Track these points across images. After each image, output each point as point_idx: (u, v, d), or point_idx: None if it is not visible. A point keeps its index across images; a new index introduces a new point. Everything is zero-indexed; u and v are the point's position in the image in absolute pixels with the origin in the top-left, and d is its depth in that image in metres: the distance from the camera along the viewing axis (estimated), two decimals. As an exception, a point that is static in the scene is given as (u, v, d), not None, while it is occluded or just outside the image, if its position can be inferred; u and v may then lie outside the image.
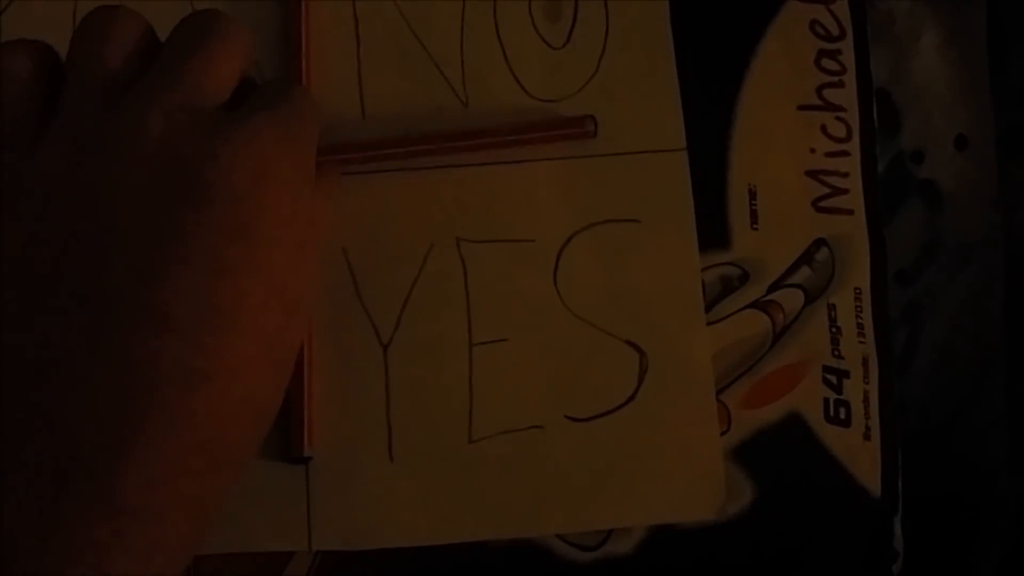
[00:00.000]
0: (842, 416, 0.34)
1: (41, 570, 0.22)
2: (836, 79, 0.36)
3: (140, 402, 0.24)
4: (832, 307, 0.34)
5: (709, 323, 0.34)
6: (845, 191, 0.35)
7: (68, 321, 0.24)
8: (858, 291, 0.35)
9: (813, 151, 0.35)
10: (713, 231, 0.34)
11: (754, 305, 0.34)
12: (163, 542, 0.24)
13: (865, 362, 0.34)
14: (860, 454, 0.34)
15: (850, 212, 0.35)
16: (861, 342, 0.34)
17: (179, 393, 0.24)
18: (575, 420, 0.33)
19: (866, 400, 0.34)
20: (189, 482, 0.24)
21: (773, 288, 0.34)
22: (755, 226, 0.34)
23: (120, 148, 0.25)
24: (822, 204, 0.35)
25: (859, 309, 0.34)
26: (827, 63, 0.36)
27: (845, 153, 0.35)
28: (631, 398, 0.33)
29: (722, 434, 0.33)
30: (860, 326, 0.34)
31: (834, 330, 0.34)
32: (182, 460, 0.24)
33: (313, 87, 0.33)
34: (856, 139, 0.35)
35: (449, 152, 0.33)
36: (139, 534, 0.23)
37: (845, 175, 0.35)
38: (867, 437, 0.34)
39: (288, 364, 0.27)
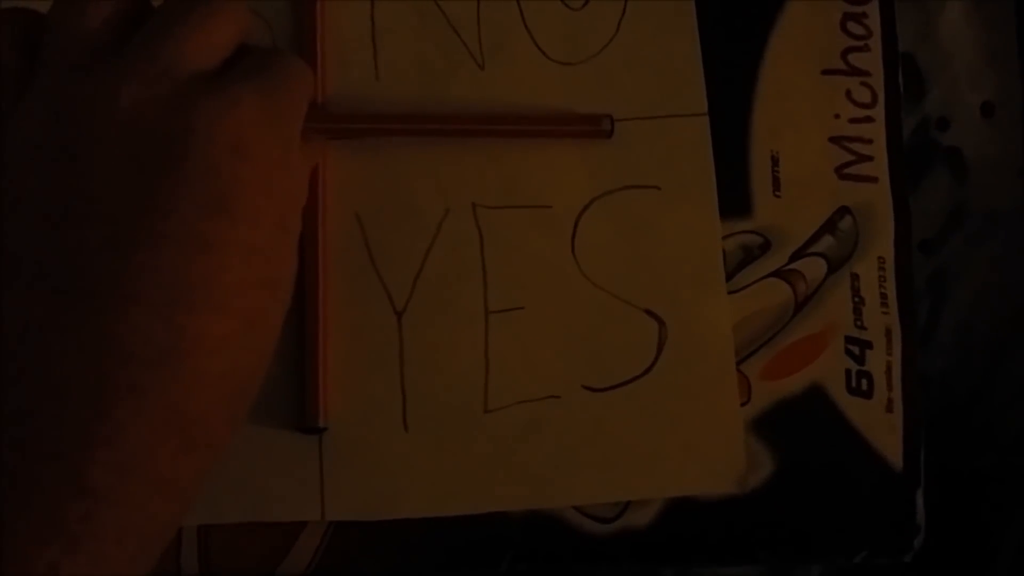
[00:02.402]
0: (864, 388, 0.33)
1: (6, 552, 0.21)
2: (861, 43, 0.35)
3: (109, 381, 0.23)
4: (855, 277, 0.34)
5: (730, 292, 0.33)
6: (870, 158, 0.34)
7: (37, 295, 0.23)
8: (882, 260, 0.34)
9: (837, 117, 0.34)
10: (734, 198, 0.33)
11: (776, 274, 0.33)
12: (136, 525, 0.23)
13: (888, 333, 0.33)
14: (882, 426, 0.33)
15: (874, 180, 0.34)
16: (884, 312, 0.34)
17: (150, 372, 0.23)
18: (592, 390, 0.32)
19: (889, 371, 0.33)
20: (164, 464, 0.23)
21: (795, 257, 0.33)
22: (777, 193, 0.34)
23: (94, 115, 0.24)
24: (846, 171, 0.34)
25: (882, 279, 0.34)
26: (852, 26, 0.35)
27: (870, 119, 0.34)
28: (649, 368, 0.32)
29: (742, 405, 0.32)
30: (883, 296, 0.34)
31: (857, 300, 0.33)
32: (155, 441, 0.23)
33: (326, 48, 0.33)
34: (881, 105, 0.34)
35: (461, 135, 0.33)
36: (111, 517, 0.22)
37: (869, 142, 0.34)
38: (889, 409, 0.33)
39: (270, 342, 0.26)
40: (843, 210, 0.34)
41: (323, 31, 0.32)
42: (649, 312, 0.33)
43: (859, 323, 0.33)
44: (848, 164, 0.34)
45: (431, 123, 0.33)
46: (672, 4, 0.34)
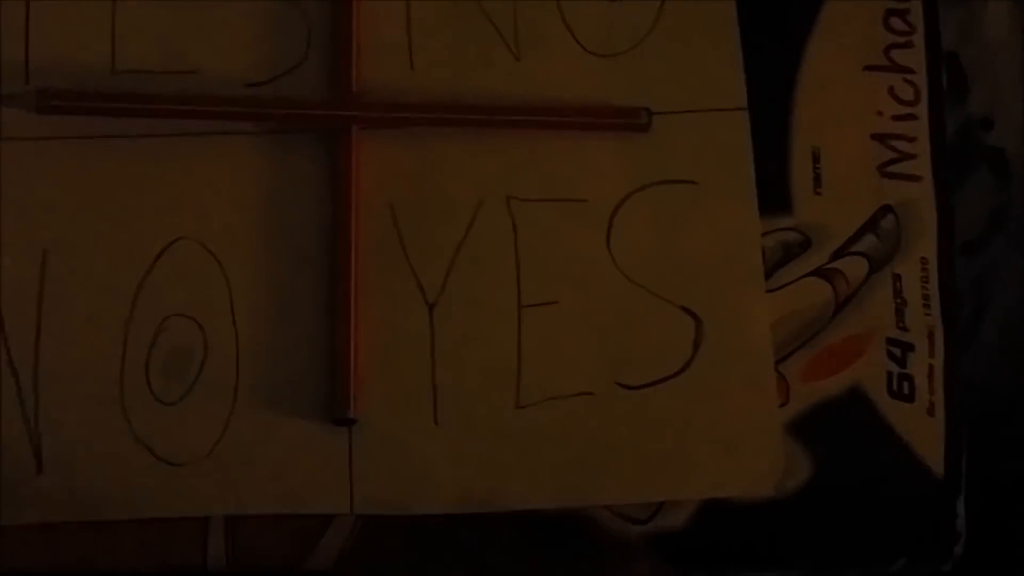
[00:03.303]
0: (906, 391, 0.32)
1: None
2: (904, 39, 0.34)
3: None
4: (897, 277, 0.33)
5: (769, 290, 0.32)
6: (913, 156, 0.33)
7: None
8: (924, 261, 0.33)
9: (880, 114, 0.34)
10: (774, 195, 0.33)
11: (816, 273, 0.33)
12: None
13: (931, 335, 0.33)
14: (923, 431, 0.32)
15: (917, 179, 0.33)
16: (927, 314, 0.33)
17: None
18: (627, 388, 0.31)
19: (931, 374, 0.32)
20: None
21: (836, 256, 0.33)
22: (818, 190, 0.33)
23: None
24: (888, 169, 0.33)
25: (925, 280, 0.33)
26: (895, 23, 0.34)
27: (912, 117, 0.34)
28: (686, 366, 0.32)
29: (780, 406, 0.32)
30: (926, 297, 0.33)
31: (899, 301, 0.33)
32: None
33: (362, 38, 0.32)
34: (924, 102, 0.34)
35: (496, 127, 0.32)
36: None
37: (912, 140, 0.34)
38: (931, 413, 0.32)
39: None
40: (885, 209, 0.33)
41: (359, 21, 0.32)
42: (685, 309, 0.32)
43: (901, 324, 0.33)
44: (891, 162, 0.33)
45: (466, 114, 0.32)
46: (712, -2, 0.34)
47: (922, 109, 0.34)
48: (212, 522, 0.30)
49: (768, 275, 0.32)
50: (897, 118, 0.34)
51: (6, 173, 0.31)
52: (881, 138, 0.33)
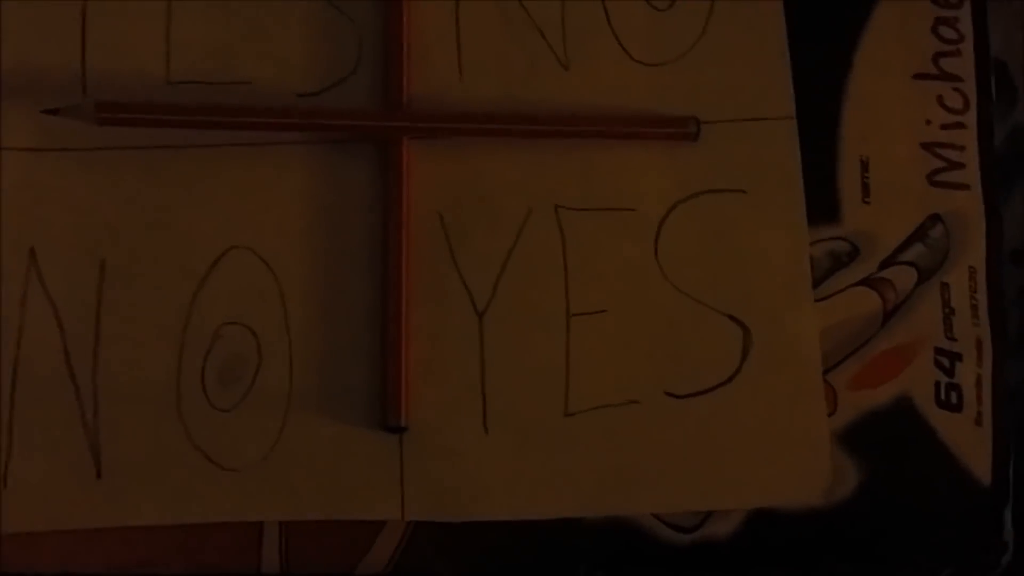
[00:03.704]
0: (953, 400, 0.32)
1: None
2: (953, 47, 0.34)
3: None
4: (946, 286, 0.33)
5: (817, 300, 0.32)
6: (961, 165, 0.33)
7: None
8: (972, 270, 0.33)
9: (928, 123, 0.33)
10: (822, 204, 0.33)
11: (864, 282, 0.33)
12: None
13: (979, 345, 0.33)
14: (971, 440, 0.32)
15: (966, 187, 0.33)
16: (975, 324, 0.33)
17: None
18: (674, 396, 0.32)
19: (979, 384, 0.32)
20: None
21: (885, 265, 0.33)
22: (867, 200, 0.33)
23: None
24: (937, 178, 0.33)
25: (973, 289, 0.33)
26: (944, 31, 0.34)
27: (961, 125, 0.34)
28: (734, 375, 0.32)
29: (828, 415, 0.32)
30: (974, 307, 0.33)
31: (947, 310, 0.33)
32: None
33: (411, 47, 0.32)
34: (973, 111, 0.34)
35: (544, 136, 0.32)
36: None
37: (961, 148, 0.33)
38: (978, 423, 0.32)
39: None
40: (934, 218, 0.33)
41: (409, 32, 0.32)
42: (733, 318, 0.32)
43: (949, 334, 0.33)
44: (939, 171, 0.33)
45: (514, 123, 0.32)
46: (760, 5, 0.33)
47: (971, 118, 0.34)
48: (266, 527, 0.31)
49: (816, 284, 0.32)
50: (946, 127, 0.33)
51: (64, 183, 0.31)
52: (929, 147, 0.33)
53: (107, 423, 0.30)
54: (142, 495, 0.30)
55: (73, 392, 0.30)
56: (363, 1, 0.33)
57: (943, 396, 0.32)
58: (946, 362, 0.32)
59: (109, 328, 0.31)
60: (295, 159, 0.32)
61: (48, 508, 0.30)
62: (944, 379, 0.32)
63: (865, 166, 0.33)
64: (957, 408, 0.32)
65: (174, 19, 0.32)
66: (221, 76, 0.32)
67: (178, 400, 0.31)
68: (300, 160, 0.32)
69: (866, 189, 0.33)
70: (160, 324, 0.31)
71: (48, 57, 0.32)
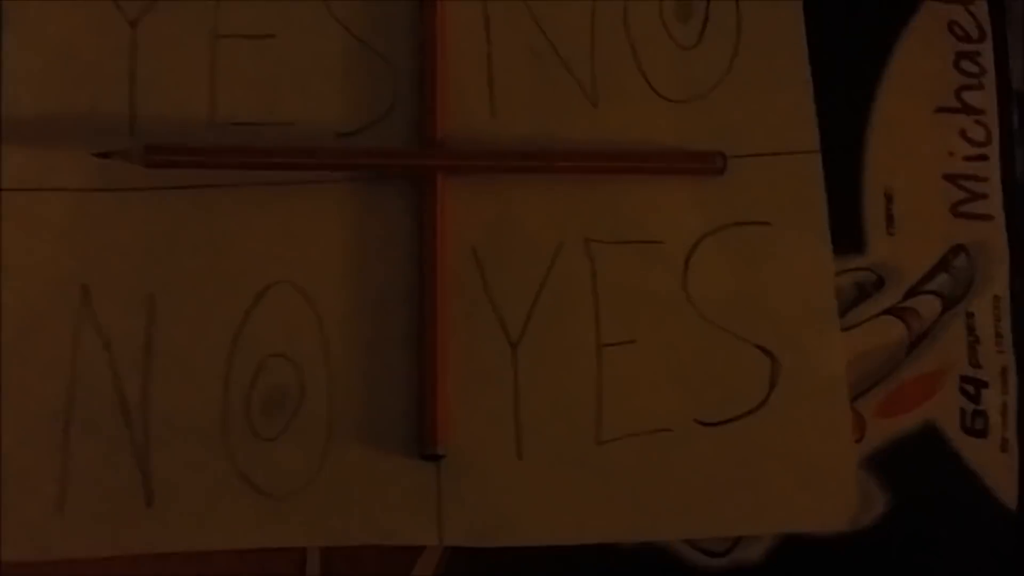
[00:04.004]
0: (979, 427, 0.33)
1: None
2: (975, 81, 0.35)
3: None
4: (970, 315, 0.33)
5: (843, 329, 0.33)
6: (984, 196, 0.34)
7: None
8: (997, 299, 0.34)
9: (951, 154, 0.34)
10: (848, 235, 0.33)
11: (890, 312, 0.33)
12: None
13: (1004, 372, 0.33)
14: (997, 466, 0.33)
15: (989, 218, 0.34)
16: (1000, 351, 0.33)
17: None
18: (705, 424, 0.32)
19: (1004, 411, 0.33)
20: None
21: (910, 294, 0.33)
22: (891, 231, 0.34)
23: None
24: (961, 209, 0.34)
25: (998, 317, 0.33)
26: (966, 65, 0.35)
27: (984, 157, 0.34)
28: (762, 403, 0.33)
29: (856, 442, 0.32)
30: (999, 335, 0.33)
31: (972, 339, 0.33)
32: None
33: (446, 87, 0.34)
34: (995, 143, 0.34)
35: (574, 172, 0.33)
36: None
37: (984, 180, 0.34)
38: (1004, 449, 0.33)
39: None
40: (958, 248, 0.34)
41: (443, 72, 0.34)
42: (761, 348, 0.33)
43: (974, 362, 0.33)
44: (963, 202, 0.34)
45: (546, 160, 0.33)
46: (783, 42, 0.34)
47: (993, 149, 0.34)
48: (309, 552, 0.32)
49: (842, 314, 0.33)
50: (969, 159, 0.34)
51: (114, 222, 0.33)
52: (953, 178, 0.34)
53: (157, 453, 0.31)
54: (190, 522, 0.31)
55: (124, 423, 0.32)
56: (398, 43, 0.34)
57: (968, 422, 0.33)
58: (971, 389, 0.33)
59: (158, 361, 0.32)
60: (335, 196, 0.33)
61: (101, 535, 0.31)
62: (970, 406, 0.33)
63: (889, 198, 0.34)
64: (983, 434, 0.33)
65: (219, 63, 0.34)
66: (264, 117, 0.33)
67: (224, 430, 0.32)
68: (339, 197, 0.33)
69: (891, 220, 0.34)
70: (207, 357, 0.32)
71: (98, 100, 0.33)
